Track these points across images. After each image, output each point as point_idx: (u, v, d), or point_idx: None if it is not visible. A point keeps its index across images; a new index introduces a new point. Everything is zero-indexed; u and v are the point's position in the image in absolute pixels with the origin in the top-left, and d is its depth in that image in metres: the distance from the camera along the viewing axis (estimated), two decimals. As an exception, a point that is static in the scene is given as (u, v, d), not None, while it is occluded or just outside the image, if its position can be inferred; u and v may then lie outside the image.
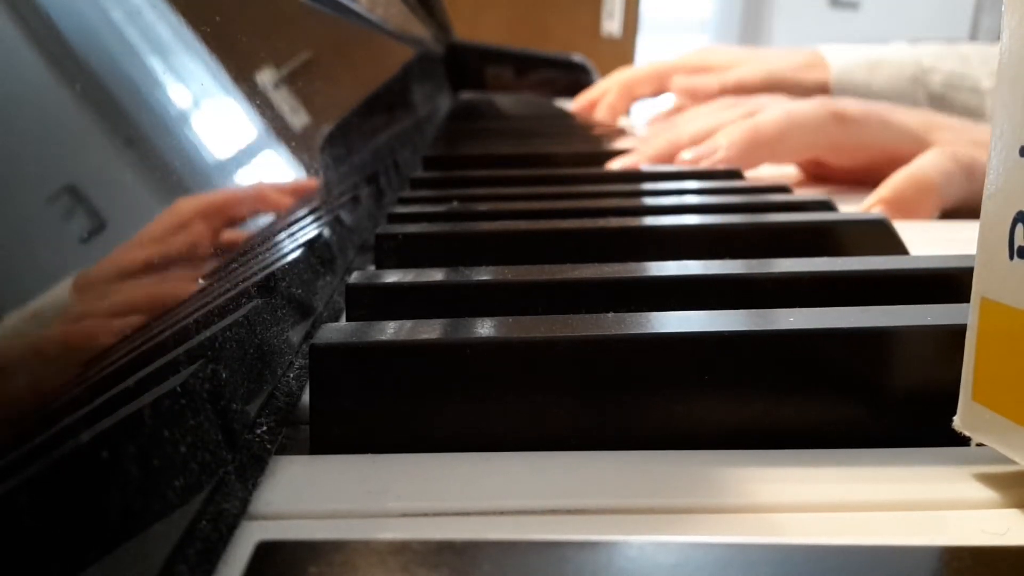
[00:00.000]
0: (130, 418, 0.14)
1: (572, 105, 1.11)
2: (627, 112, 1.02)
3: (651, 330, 0.21)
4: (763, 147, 0.55)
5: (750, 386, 0.20)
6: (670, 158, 0.59)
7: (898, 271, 0.27)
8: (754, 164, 0.57)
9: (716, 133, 0.58)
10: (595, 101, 1.05)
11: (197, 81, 0.24)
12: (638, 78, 1.00)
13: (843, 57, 0.87)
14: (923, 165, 0.49)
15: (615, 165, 0.59)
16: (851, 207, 0.47)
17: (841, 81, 0.86)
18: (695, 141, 0.59)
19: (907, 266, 0.28)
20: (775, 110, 0.57)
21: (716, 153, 0.56)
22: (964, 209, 0.50)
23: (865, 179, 0.57)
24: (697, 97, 0.90)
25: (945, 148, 0.51)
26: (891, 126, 0.57)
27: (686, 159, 0.57)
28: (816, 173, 0.62)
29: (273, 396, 0.21)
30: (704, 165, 0.55)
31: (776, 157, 0.57)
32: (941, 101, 0.80)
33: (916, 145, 0.55)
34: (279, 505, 0.17)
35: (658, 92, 1.00)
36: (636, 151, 0.61)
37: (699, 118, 0.65)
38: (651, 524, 0.17)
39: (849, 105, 0.58)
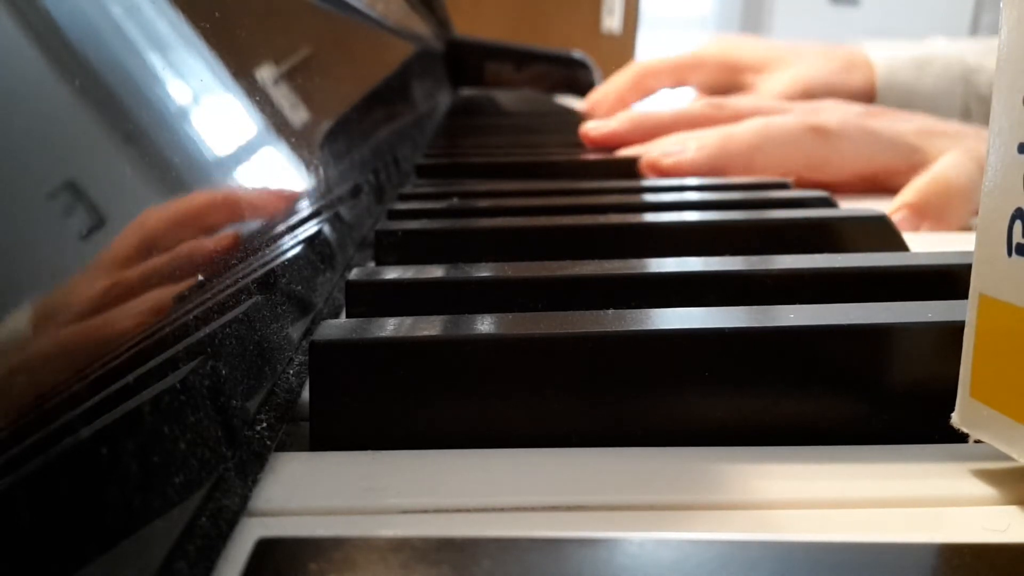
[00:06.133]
0: (130, 415, 0.14)
1: (583, 104, 1.05)
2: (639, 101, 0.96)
3: (651, 327, 0.21)
4: (734, 157, 0.53)
5: (750, 383, 0.20)
6: (642, 132, 0.57)
7: (898, 268, 0.27)
8: (723, 174, 0.53)
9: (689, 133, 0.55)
10: (607, 97, 0.99)
11: (196, 77, 0.24)
12: (654, 70, 0.94)
13: (888, 56, 0.82)
14: (945, 169, 0.46)
15: (589, 126, 0.58)
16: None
17: (888, 83, 0.81)
18: (676, 121, 0.57)
19: (907, 263, 0.28)
20: (751, 122, 0.54)
21: (684, 153, 0.53)
22: None
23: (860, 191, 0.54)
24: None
25: (962, 151, 0.49)
26: (879, 138, 0.53)
27: (652, 155, 0.54)
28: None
29: (273, 393, 0.21)
30: (669, 163, 0.53)
31: (749, 170, 0.53)
32: (989, 104, 0.77)
33: (910, 157, 0.52)
34: (279, 502, 0.17)
35: (677, 85, 0.94)
36: (612, 121, 0.60)
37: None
38: (651, 521, 0.17)
39: (831, 117, 0.55)
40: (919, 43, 0.83)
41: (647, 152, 0.55)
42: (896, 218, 0.44)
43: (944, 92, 0.78)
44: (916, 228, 0.45)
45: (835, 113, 0.57)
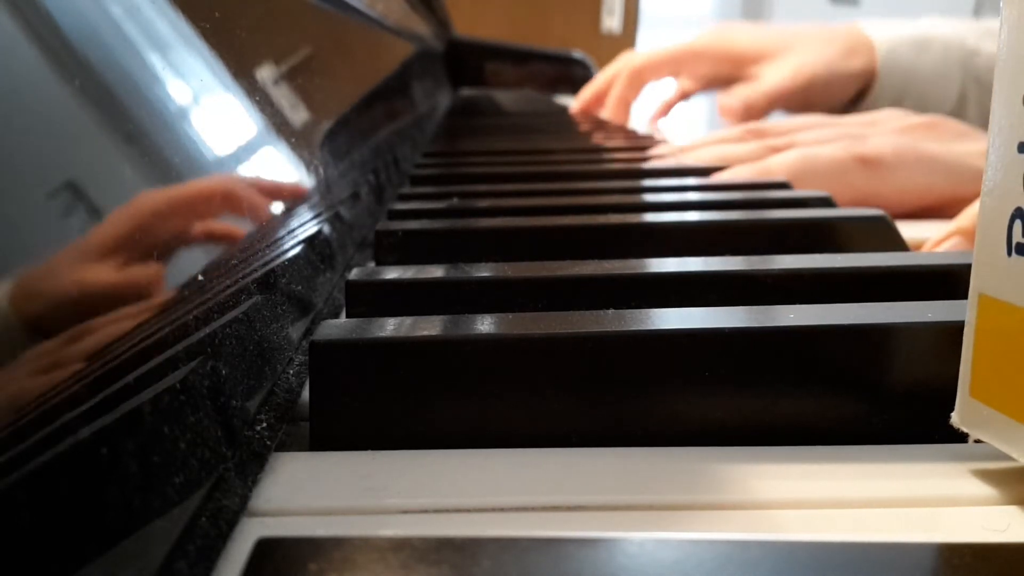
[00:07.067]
0: (130, 414, 0.14)
1: (575, 103, 1.03)
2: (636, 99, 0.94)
3: (651, 327, 0.21)
4: None
5: (750, 383, 0.20)
6: None
7: (898, 267, 0.27)
8: None
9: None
10: (601, 94, 0.97)
11: (196, 77, 0.24)
12: (650, 66, 0.91)
13: (889, 37, 0.79)
14: None
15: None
16: (917, 229, 0.39)
17: (889, 65, 0.78)
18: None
19: (907, 262, 0.28)
20: (789, 155, 0.48)
21: None
22: None
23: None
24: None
25: None
26: (938, 164, 0.46)
27: None
28: None
29: (273, 392, 0.21)
30: None
31: None
32: (986, 88, 0.72)
33: (977, 184, 0.43)
34: (279, 502, 0.17)
35: (672, 76, 0.92)
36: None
37: (709, 147, 0.56)
38: (651, 521, 0.17)
39: (883, 144, 0.47)
40: (916, 22, 0.82)
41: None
42: (947, 246, 0.37)
43: (943, 75, 0.77)
44: None
45: (888, 137, 0.50)
